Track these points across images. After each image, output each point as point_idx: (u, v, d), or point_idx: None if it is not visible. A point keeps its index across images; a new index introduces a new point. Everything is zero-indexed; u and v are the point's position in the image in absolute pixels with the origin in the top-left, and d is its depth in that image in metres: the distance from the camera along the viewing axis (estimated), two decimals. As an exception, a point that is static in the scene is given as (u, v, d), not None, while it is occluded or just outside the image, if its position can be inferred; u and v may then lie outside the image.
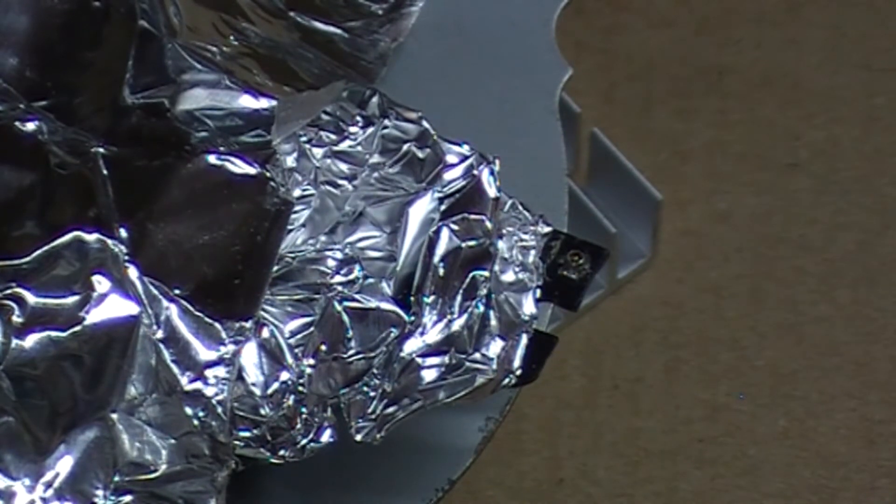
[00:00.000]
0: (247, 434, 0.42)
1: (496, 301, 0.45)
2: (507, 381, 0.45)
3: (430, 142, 0.46)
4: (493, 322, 0.45)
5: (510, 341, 0.45)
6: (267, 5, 0.51)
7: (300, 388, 0.42)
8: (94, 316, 0.42)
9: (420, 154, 0.46)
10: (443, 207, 0.45)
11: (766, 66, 0.68)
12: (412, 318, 0.44)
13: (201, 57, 0.46)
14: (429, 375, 0.44)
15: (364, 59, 0.53)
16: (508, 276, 0.45)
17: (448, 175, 0.45)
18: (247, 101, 0.45)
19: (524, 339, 0.45)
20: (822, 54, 0.68)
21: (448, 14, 0.55)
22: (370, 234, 0.45)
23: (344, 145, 0.46)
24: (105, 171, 0.44)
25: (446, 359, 0.44)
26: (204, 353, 0.42)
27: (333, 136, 0.46)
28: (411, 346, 0.44)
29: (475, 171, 0.45)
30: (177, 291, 0.42)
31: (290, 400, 0.42)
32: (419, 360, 0.44)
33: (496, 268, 0.45)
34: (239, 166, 0.44)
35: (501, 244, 0.45)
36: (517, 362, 0.45)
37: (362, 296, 0.44)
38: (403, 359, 0.44)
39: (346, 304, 0.43)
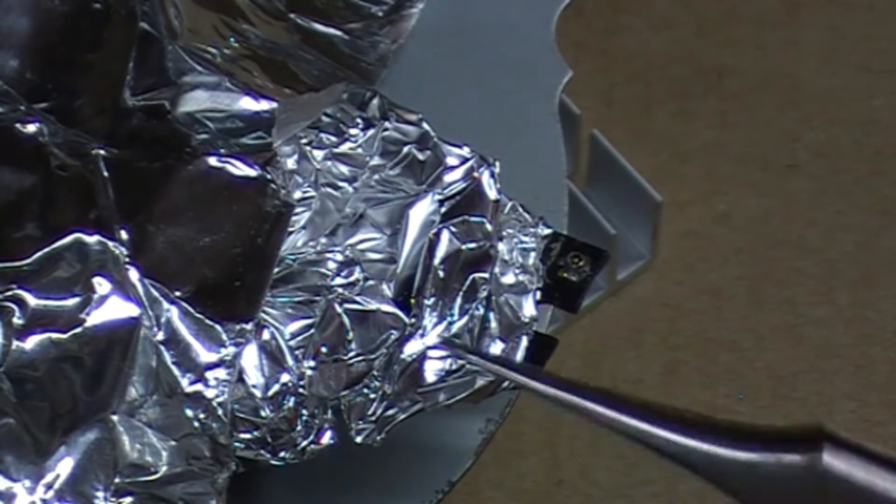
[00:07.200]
0: (247, 436, 0.42)
1: (496, 303, 0.45)
2: (507, 382, 0.45)
3: (431, 144, 0.46)
4: (494, 324, 0.45)
5: (510, 343, 0.45)
6: (267, 7, 0.51)
7: (300, 390, 0.42)
8: (95, 318, 0.42)
9: (420, 156, 0.46)
10: (443, 209, 0.45)
11: (765, 68, 0.68)
12: (412, 320, 0.44)
13: (202, 59, 0.46)
14: (429, 377, 0.44)
15: (364, 60, 0.53)
16: (508, 279, 0.45)
17: (448, 177, 0.45)
18: (247, 104, 0.45)
19: (524, 341, 0.45)
20: (822, 56, 0.68)
21: (448, 16, 0.55)
22: (370, 236, 0.45)
23: (344, 147, 0.46)
24: (106, 173, 0.44)
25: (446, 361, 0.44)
26: (204, 355, 0.42)
27: (334, 138, 0.46)
28: (412, 348, 0.44)
29: (475, 174, 0.45)
30: (177, 293, 0.42)
31: (291, 402, 0.42)
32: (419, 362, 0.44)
33: (496, 270, 0.45)
34: (239, 168, 0.44)
35: (502, 246, 0.45)
36: (517, 364, 0.45)
37: (363, 298, 0.44)
38: (404, 360, 0.44)
39: (347, 306, 0.43)
